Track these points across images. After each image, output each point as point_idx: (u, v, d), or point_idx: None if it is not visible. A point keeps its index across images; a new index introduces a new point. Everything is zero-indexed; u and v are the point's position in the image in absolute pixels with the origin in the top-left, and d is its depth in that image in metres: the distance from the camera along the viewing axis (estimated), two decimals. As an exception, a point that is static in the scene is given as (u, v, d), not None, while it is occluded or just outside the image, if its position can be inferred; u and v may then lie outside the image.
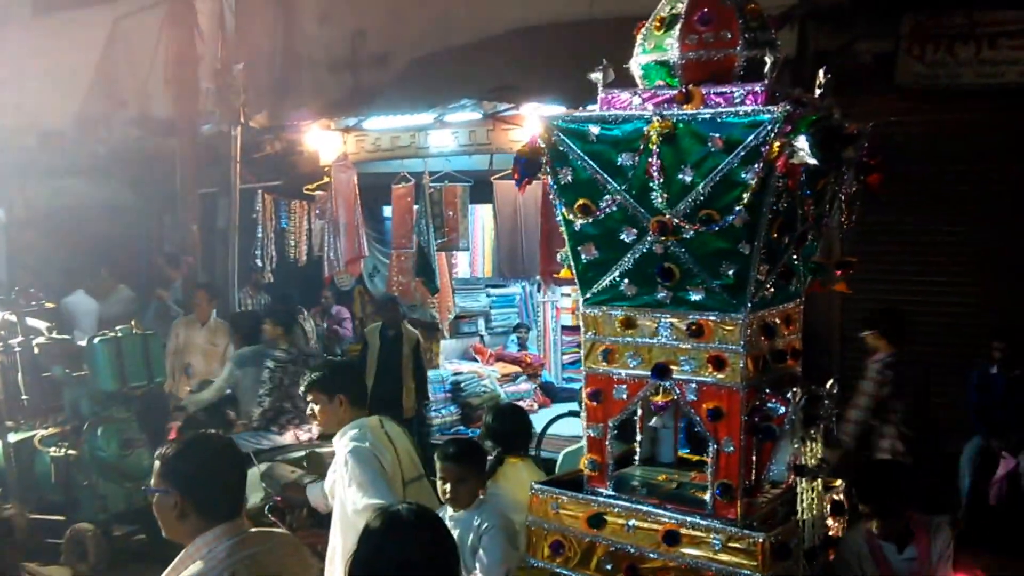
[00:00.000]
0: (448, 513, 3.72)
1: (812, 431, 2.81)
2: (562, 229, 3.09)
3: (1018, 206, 6.83)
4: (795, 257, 2.97)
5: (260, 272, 10.47)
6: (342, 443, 3.92)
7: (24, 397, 5.79)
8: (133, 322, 5.97)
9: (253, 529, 2.62)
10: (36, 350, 5.85)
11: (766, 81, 2.70)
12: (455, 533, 3.63)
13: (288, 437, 6.59)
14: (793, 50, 6.97)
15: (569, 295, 10.33)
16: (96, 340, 5.57)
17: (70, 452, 5.63)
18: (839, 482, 3.23)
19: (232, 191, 9.98)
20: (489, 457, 4.15)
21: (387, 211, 10.31)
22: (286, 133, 10.22)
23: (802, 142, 2.54)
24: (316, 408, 4.04)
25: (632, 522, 2.97)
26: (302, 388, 4.13)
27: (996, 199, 6.92)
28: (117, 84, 11.57)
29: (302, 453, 6.30)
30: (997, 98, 6.81)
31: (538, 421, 7.12)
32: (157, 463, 2.59)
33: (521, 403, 7.88)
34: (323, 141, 9.62)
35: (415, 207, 9.11)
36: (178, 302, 9.43)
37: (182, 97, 9.61)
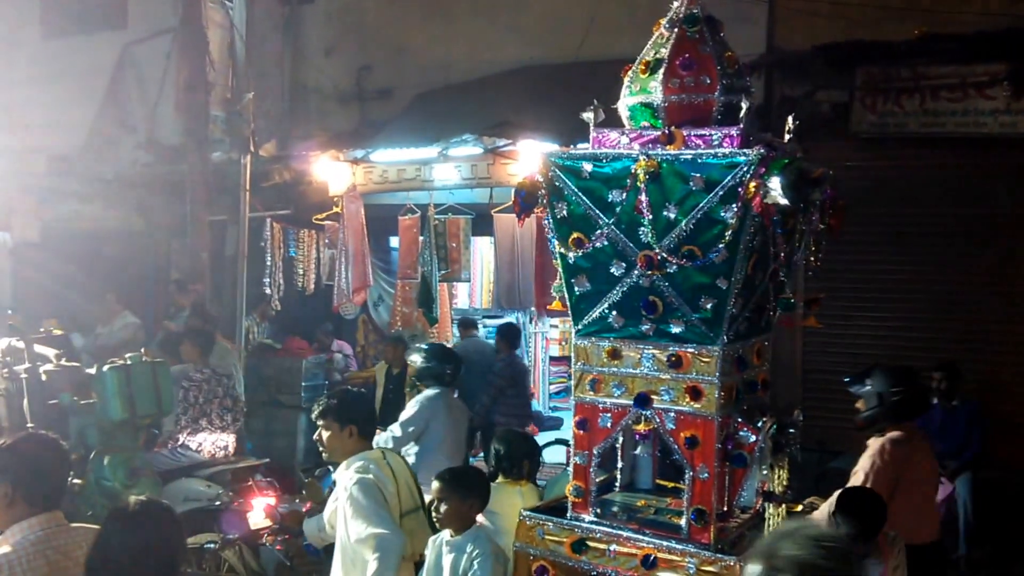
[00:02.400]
0: (445, 538, 3.81)
1: (779, 458, 2.91)
2: (556, 262, 3.22)
3: (960, 245, 7.39)
4: (767, 293, 3.09)
5: (269, 300, 10.57)
6: (347, 475, 3.99)
7: (30, 425, 5.57)
8: (143, 350, 5.93)
9: (74, 524, 3.03)
10: (43, 377, 5.72)
11: (741, 125, 2.84)
12: (450, 558, 3.74)
13: (205, 454, 6.76)
14: (761, 97, 7.58)
15: (557, 326, 10.54)
16: (105, 368, 5.45)
17: (75, 481, 5.56)
18: (800, 507, 3.33)
19: (241, 219, 10.12)
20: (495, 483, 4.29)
21: (393, 241, 10.45)
22: (294, 163, 10.38)
23: (775, 183, 2.67)
24: (325, 435, 4.10)
25: (613, 547, 3.07)
26: (315, 414, 4.19)
27: (941, 239, 7.46)
28: (126, 109, 11.72)
29: (217, 469, 6.47)
30: (939, 146, 7.39)
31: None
32: None
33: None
34: (332, 171, 9.77)
35: (420, 238, 9.26)
36: (186, 330, 9.54)
37: (192, 124, 9.76)
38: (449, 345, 8.69)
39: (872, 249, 7.50)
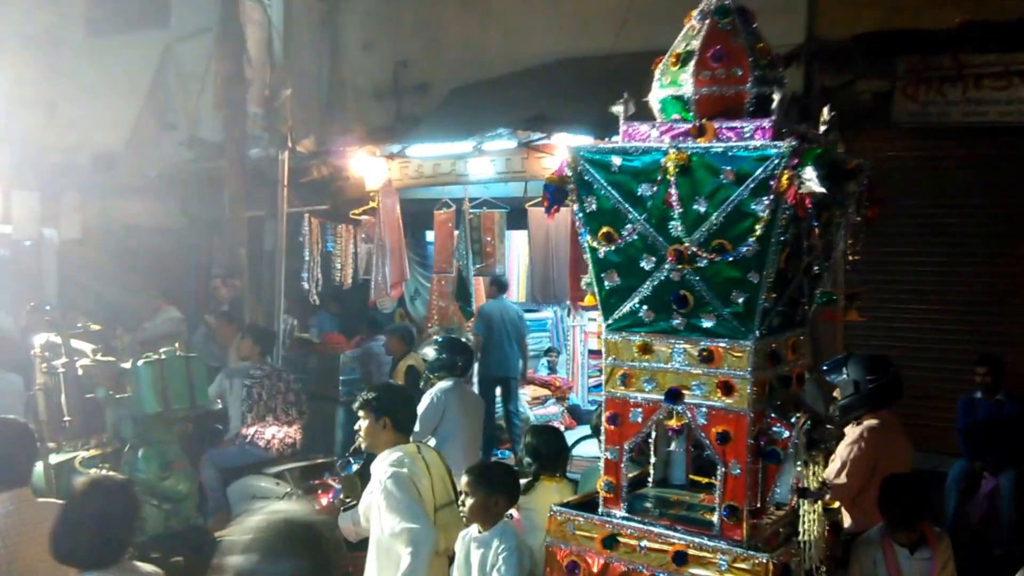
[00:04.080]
0: (472, 534, 3.83)
1: (814, 454, 2.87)
2: (586, 256, 3.20)
3: (1004, 236, 7.28)
4: (802, 287, 3.05)
5: (308, 296, 10.68)
6: (381, 468, 4.04)
7: (67, 418, 5.76)
8: (177, 344, 6.03)
9: (40, 500, 3.48)
10: (80, 371, 5.84)
11: (773, 117, 2.80)
12: (478, 553, 3.76)
13: (273, 450, 6.87)
14: (800, 87, 7.50)
15: (595, 320, 10.42)
16: (140, 362, 5.55)
17: (111, 474, 5.70)
18: (837, 504, 3.28)
19: (279, 214, 10.21)
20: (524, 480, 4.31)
21: (429, 236, 10.48)
22: (332, 158, 10.45)
23: (809, 173, 2.63)
24: (364, 425, 4.19)
25: (644, 543, 3.04)
26: (356, 405, 4.28)
27: (984, 229, 7.34)
28: (168, 106, 11.89)
29: (285, 467, 6.60)
30: (982, 135, 7.27)
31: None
32: None
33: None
34: (368, 167, 9.83)
35: (455, 232, 9.29)
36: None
37: (230, 121, 9.87)
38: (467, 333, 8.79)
39: (914, 241, 7.42)
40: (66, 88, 13.64)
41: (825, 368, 4.93)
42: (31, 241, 13.52)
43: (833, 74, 7.77)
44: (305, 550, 2.57)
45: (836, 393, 4.82)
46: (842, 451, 4.62)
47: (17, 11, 14.33)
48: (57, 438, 5.91)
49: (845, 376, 4.74)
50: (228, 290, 10.01)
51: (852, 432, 4.68)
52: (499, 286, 9.35)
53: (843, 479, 4.56)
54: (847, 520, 4.51)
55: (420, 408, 6.16)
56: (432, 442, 6.05)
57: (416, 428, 6.01)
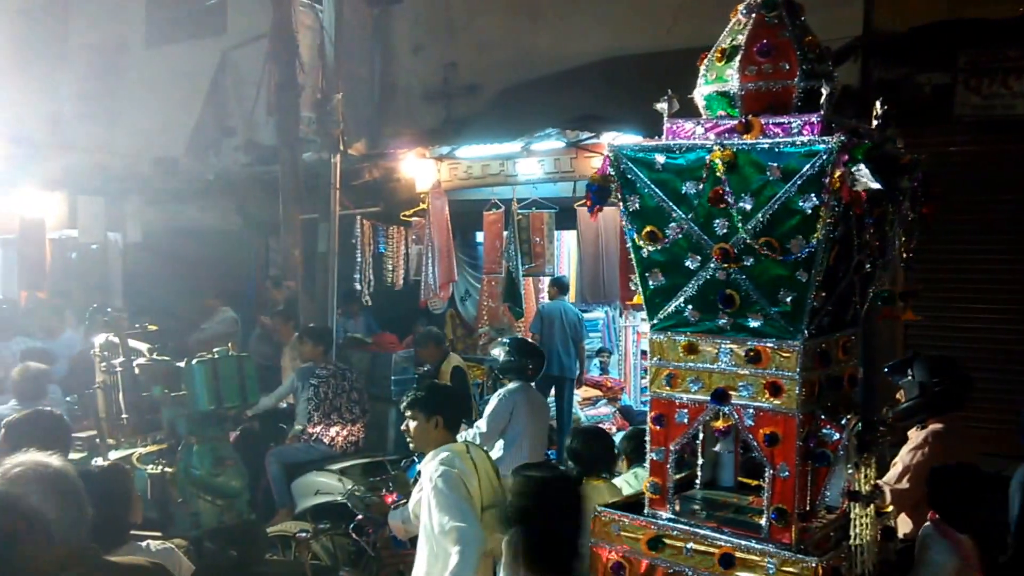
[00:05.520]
0: None
1: (866, 457, 2.80)
2: (631, 256, 3.17)
3: None
4: (853, 285, 2.98)
5: (357, 298, 10.77)
6: (431, 467, 4.07)
7: (124, 416, 5.97)
8: (230, 344, 6.20)
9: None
10: (137, 370, 6.02)
11: (822, 111, 2.74)
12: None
13: (336, 448, 7.03)
14: (857, 81, 7.30)
15: (647, 320, 10.33)
16: (194, 361, 5.76)
17: (166, 470, 5.81)
18: (890, 508, 3.20)
19: (332, 217, 10.34)
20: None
21: (479, 237, 10.53)
22: (383, 161, 10.56)
23: (862, 170, 2.57)
24: (412, 425, 4.21)
25: (690, 545, 3.00)
26: (403, 404, 4.30)
27: None
28: (225, 112, 12.11)
29: (348, 464, 6.75)
30: None
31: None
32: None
33: (600, 426, 7.98)
34: (419, 169, 9.91)
35: (504, 233, 9.30)
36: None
37: (284, 125, 10.01)
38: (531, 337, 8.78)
39: (981, 238, 7.16)
40: (128, 96, 14.00)
41: (887, 369, 4.80)
42: (97, 245, 13.92)
43: (891, 67, 7.54)
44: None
45: (899, 395, 4.68)
46: (905, 456, 4.48)
47: (81, 24, 14.80)
48: (115, 435, 6.09)
49: (910, 378, 4.58)
50: (282, 291, 10.16)
51: (916, 436, 4.53)
52: (560, 287, 9.36)
53: (905, 484, 4.43)
54: (908, 526, 4.39)
55: (487, 410, 6.19)
56: (500, 444, 6.08)
57: (483, 429, 6.05)
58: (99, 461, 5.40)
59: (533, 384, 6.56)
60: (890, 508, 3.25)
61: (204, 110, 12.18)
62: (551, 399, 9.07)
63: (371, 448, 7.62)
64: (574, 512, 2.61)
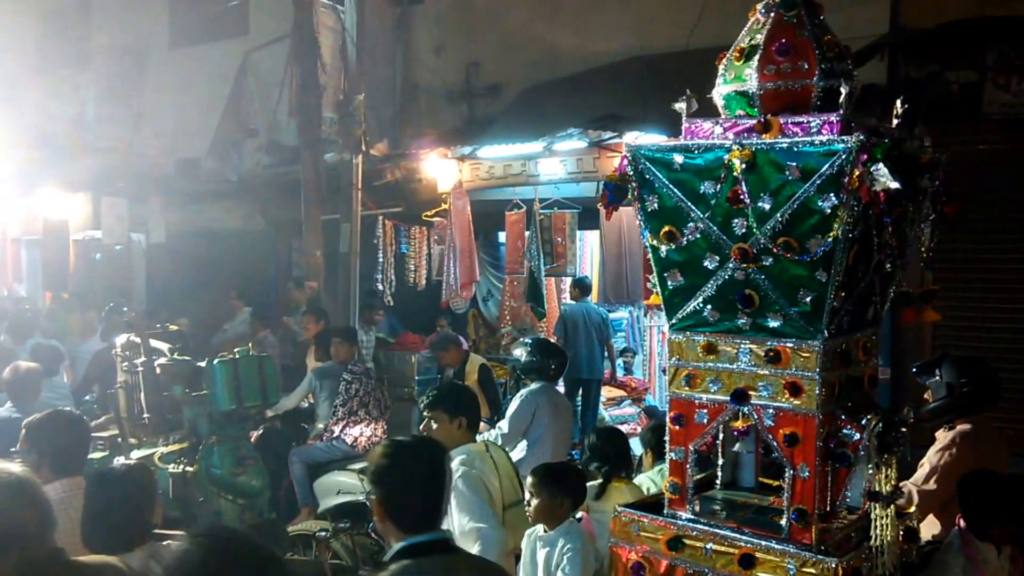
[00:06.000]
0: (539, 532, 3.83)
1: (886, 458, 2.78)
2: (649, 256, 3.17)
3: None
4: (873, 285, 2.96)
5: (376, 308, 10.78)
6: (451, 467, 4.08)
7: (146, 415, 6.01)
8: (251, 344, 6.24)
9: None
10: (158, 370, 6.07)
11: (841, 111, 2.73)
12: (544, 552, 3.76)
13: (359, 448, 7.03)
14: (884, 79, 7.18)
15: (673, 320, 10.29)
16: (215, 361, 5.80)
17: (187, 469, 5.85)
18: (913, 508, 3.17)
19: (353, 217, 10.39)
20: (593, 482, 4.30)
21: (502, 237, 10.53)
22: (405, 161, 10.58)
23: (881, 169, 2.55)
24: (435, 426, 4.20)
25: (710, 545, 3.00)
26: (423, 405, 4.30)
27: None
28: (248, 114, 12.17)
29: (367, 464, 6.67)
30: None
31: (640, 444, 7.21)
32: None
33: (624, 427, 7.96)
34: (440, 169, 9.93)
35: (527, 233, 9.31)
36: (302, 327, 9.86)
37: (306, 126, 10.07)
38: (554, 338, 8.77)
39: (1008, 236, 7.02)
40: (151, 98, 14.13)
41: (915, 369, 4.75)
42: (120, 246, 14.05)
43: (919, 65, 7.45)
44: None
45: (927, 395, 4.64)
46: (932, 457, 4.42)
47: (104, 26, 14.93)
48: (137, 434, 6.13)
49: (938, 378, 4.52)
50: (304, 292, 10.22)
51: (944, 437, 4.46)
52: (583, 289, 9.34)
53: (932, 485, 4.38)
54: (936, 527, 4.35)
55: (509, 411, 6.18)
56: (523, 445, 6.07)
57: (505, 430, 6.04)
58: (121, 460, 5.45)
59: (559, 384, 6.51)
60: (912, 509, 3.23)
61: (226, 111, 12.26)
62: (577, 400, 9.04)
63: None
64: (428, 471, 2.75)
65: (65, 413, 4.06)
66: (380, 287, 10.95)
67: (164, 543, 3.32)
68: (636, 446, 5.74)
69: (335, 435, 7.09)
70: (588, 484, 4.51)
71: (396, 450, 2.80)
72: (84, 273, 14.75)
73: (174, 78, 13.53)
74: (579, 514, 4.07)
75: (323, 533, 5.09)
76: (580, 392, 9.05)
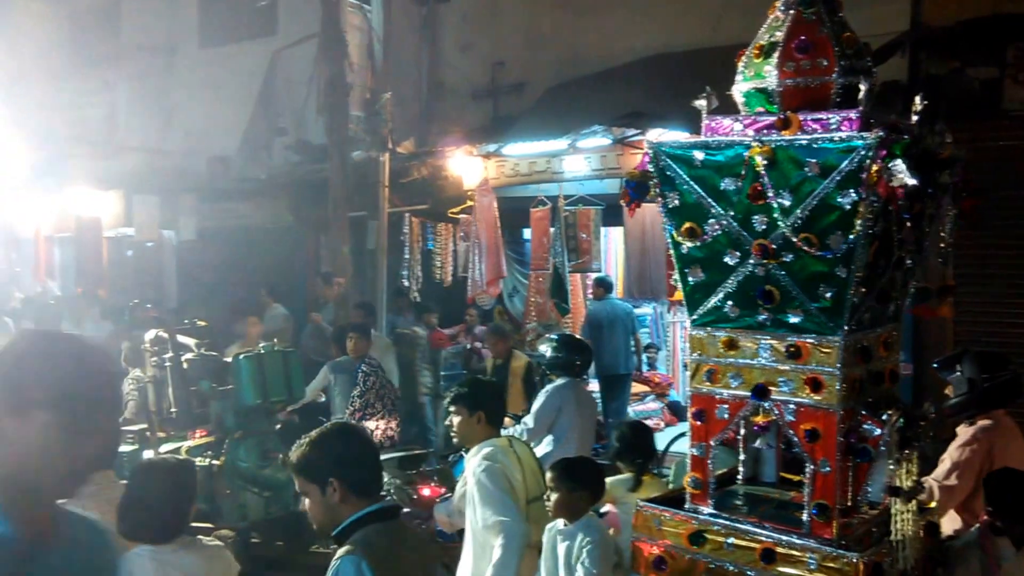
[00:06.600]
0: (558, 526, 3.87)
1: (907, 453, 2.79)
2: (671, 252, 3.19)
3: None
4: (893, 281, 2.96)
5: (408, 293, 10.87)
6: (475, 461, 4.12)
7: (173, 410, 6.11)
8: (275, 340, 6.32)
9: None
10: (185, 365, 6.16)
11: (861, 107, 2.73)
12: (563, 546, 3.80)
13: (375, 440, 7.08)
14: (904, 75, 7.23)
15: (696, 316, 10.29)
16: (241, 356, 5.87)
17: (214, 462, 5.94)
18: (934, 504, 3.17)
19: (381, 214, 10.47)
20: (626, 475, 4.34)
21: (527, 233, 10.58)
22: (432, 159, 10.65)
23: (900, 165, 2.56)
24: (456, 420, 4.27)
25: (731, 540, 3.01)
26: (447, 400, 4.37)
27: None
28: (277, 112, 12.30)
29: (386, 457, 6.76)
30: None
31: (665, 439, 7.26)
32: None
33: (648, 422, 7.97)
34: (466, 166, 9.99)
35: (551, 229, 9.35)
36: (331, 322, 9.96)
37: (333, 124, 10.16)
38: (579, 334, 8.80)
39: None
40: (182, 97, 14.29)
41: (937, 364, 4.75)
42: (152, 242, 14.24)
43: (939, 62, 7.46)
44: None
45: (948, 390, 4.63)
46: (953, 452, 4.43)
47: (135, 25, 15.14)
48: (165, 428, 6.23)
49: (959, 373, 4.53)
50: (332, 288, 10.31)
51: (964, 433, 4.47)
52: (605, 287, 9.36)
53: (953, 481, 4.38)
54: (957, 523, 4.35)
55: (535, 406, 6.22)
56: (549, 438, 6.12)
57: (531, 425, 6.08)
58: (149, 454, 5.54)
59: (584, 380, 6.54)
60: (934, 504, 3.23)
61: (256, 110, 12.39)
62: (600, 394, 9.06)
63: (406, 443, 7.72)
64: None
65: None
66: (407, 283, 11.02)
67: (196, 537, 3.40)
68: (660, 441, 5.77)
69: None
70: (621, 477, 4.56)
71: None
72: (116, 270, 14.96)
73: (204, 77, 13.68)
74: (605, 508, 4.10)
75: None
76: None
